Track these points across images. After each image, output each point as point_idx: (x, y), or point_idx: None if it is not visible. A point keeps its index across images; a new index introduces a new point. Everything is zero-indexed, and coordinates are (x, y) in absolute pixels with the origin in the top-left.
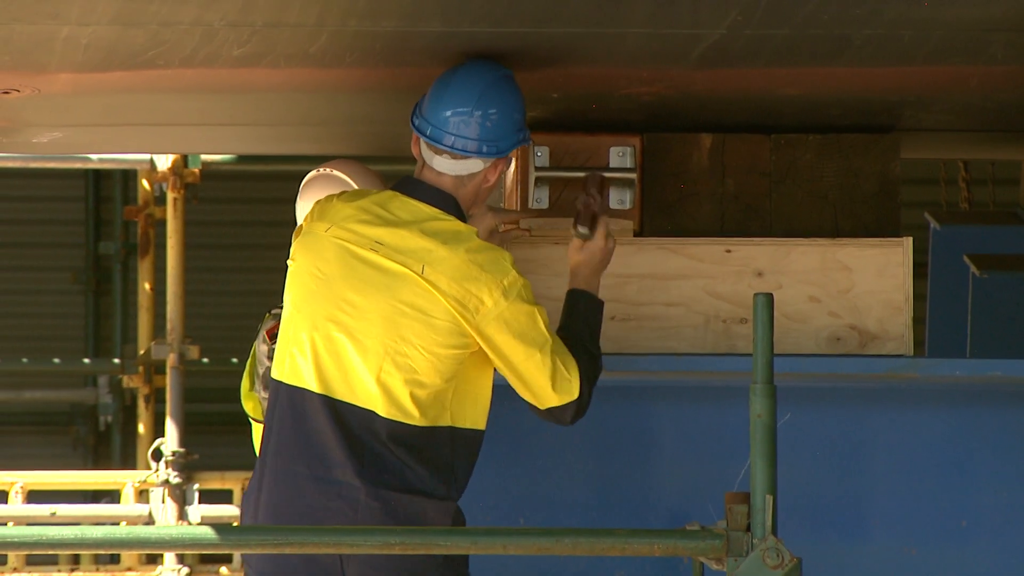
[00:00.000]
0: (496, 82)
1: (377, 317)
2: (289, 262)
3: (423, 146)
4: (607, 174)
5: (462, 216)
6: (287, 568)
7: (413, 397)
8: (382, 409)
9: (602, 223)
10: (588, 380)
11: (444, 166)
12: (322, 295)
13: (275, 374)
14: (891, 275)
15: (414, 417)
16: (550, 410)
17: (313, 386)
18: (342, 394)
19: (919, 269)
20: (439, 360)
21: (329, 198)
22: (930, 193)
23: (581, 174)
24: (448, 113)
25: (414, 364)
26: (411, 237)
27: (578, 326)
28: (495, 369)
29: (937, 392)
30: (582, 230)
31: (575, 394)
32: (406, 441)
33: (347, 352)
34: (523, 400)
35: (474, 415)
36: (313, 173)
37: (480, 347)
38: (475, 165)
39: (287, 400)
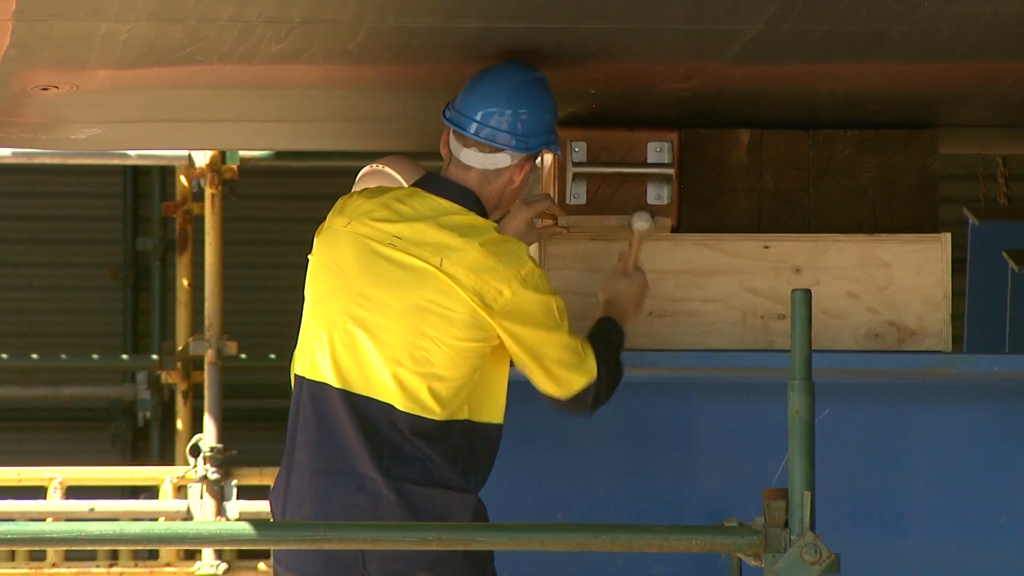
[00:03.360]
0: (528, 83)
1: (395, 312)
2: (309, 257)
3: (452, 139)
4: (646, 170)
5: (483, 213)
6: (308, 560)
7: (431, 391)
8: (400, 403)
9: (641, 275)
10: (606, 365)
11: (472, 159)
12: (340, 290)
13: (297, 369)
14: (929, 271)
15: (433, 411)
16: (572, 398)
17: (332, 381)
18: (360, 388)
19: (957, 265)
20: (457, 354)
21: (351, 195)
22: (968, 189)
23: (618, 170)
24: (480, 107)
25: (432, 358)
26: (428, 231)
27: (599, 337)
28: (511, 364)
29: (976, 388)
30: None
31: (593, 373)
32: (426, 434)
33: (364, 346)
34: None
35: (491, 409)
36: (366, 169)
37: (500, 340)
38: (502, 160)
39: (308, 395)
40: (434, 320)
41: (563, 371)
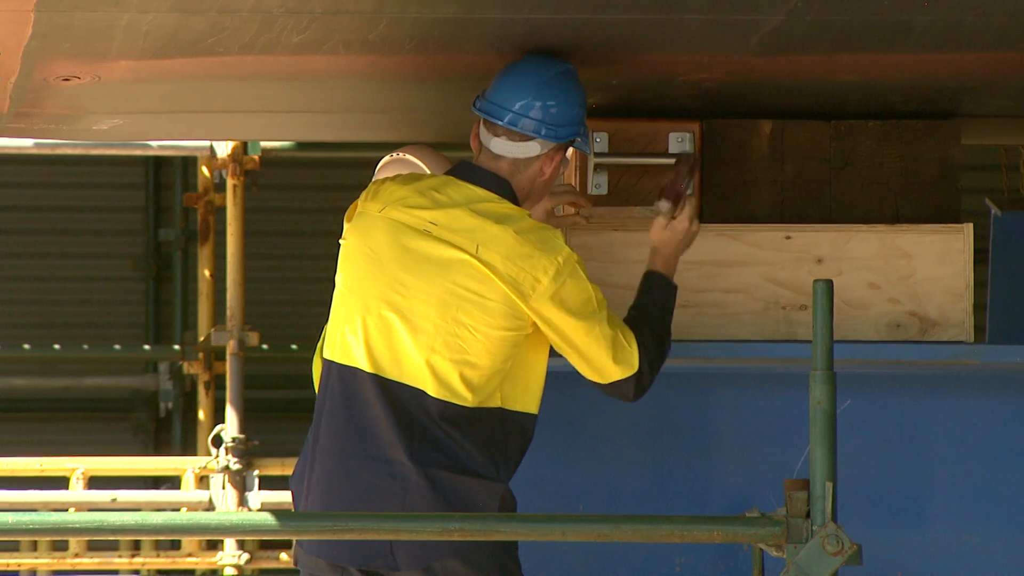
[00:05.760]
0: (560, 74)
1: (430, 298)
2: (340, 241)
3: (482, 129)
4: (668, 160)
5: (515, 201)
6: (335, 546)
7: (463, 378)
8: (432, 389)
9: (689, 205)
10: (649, 354)
11: (501, 148)
12: (374, 275)
13: (327, 354)
14: (952, 261)
15: (465, 398)
16: (614, 384)
17: (364, 365)
18: (392, 373)
19: (980, 255)
20: (491, 342)
21: (383, 180)
22: (991, 179)
23: (639, 160)
24: (510, 96)
25: (465, 345)
26: (463, 217)
27: (649, 306)
28: (551, 354)
29: (998, 378)
30: (663, 205)
31: (635, 366)
32: (457, 421)
33: (398, 332)
34: (583, 387)
35: (525, 398)
36: (387, 158)
37: (535, 329)
38: (532, 148)
39: (338, 379)
40: (469, 308)
41: (603, 361)
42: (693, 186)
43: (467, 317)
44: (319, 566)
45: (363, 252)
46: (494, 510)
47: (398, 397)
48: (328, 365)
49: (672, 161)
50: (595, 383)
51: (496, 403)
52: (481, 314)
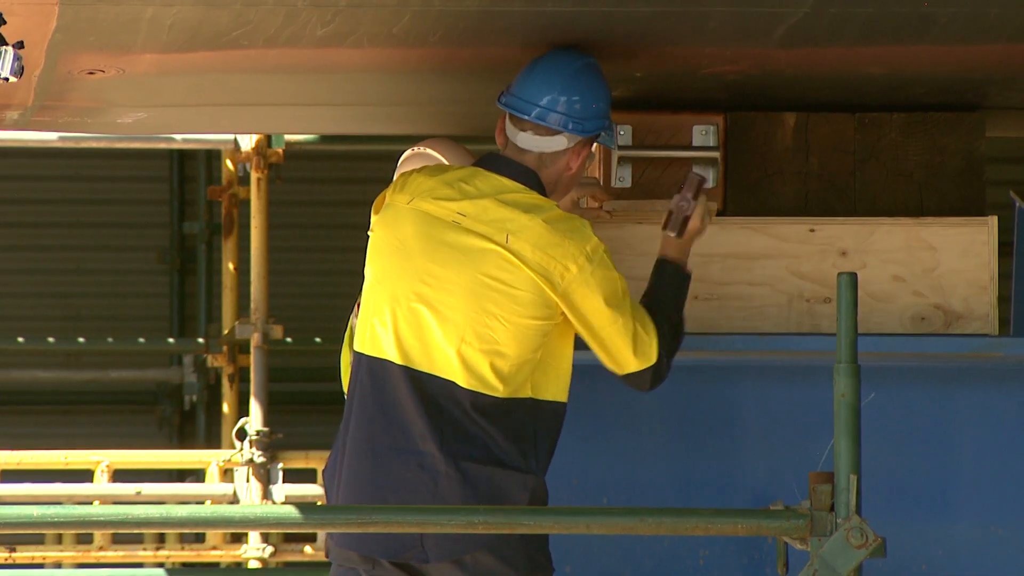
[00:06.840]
0: (584, 68)
1: (459, 289)
2: (368, 234)
3: (508, 124)
4: (694, 163)
5: (543, 192)
6: (367, 538)
7: (494, 368)
8: (462, 380)
9: (702, 201)
10: (666, 347)
11: (528, 142)
12: (403, 267)
13: (357, 346)
14: (976, 254)
15: (496, 388)
16: (629, 376)
17: (393, 357)
18: (422, 365)
19: (1005, 248)
20: (520, 331)
21: (411, 172)
22: (1016, 172)
23: (663, 153)
24: (537, 90)
25: (495, 335)
26: (492, 207)
27: (663, 294)
28: (576, 345)
29: (1022, 371)
30: (671, 232)
31: (653, 359)
32: (488, 412)
33: (428, 323)
34: (608, 380)
35: (556, 387)
36: (408, 152)
37: (564, 318)
38: (558, 143)
39: (367, 372)
40: (498, 298)
41: (623, 352)
42: (716, 179)
43: (496, 307)
44: (350, 558)
45: (391, 244)
46: (524, 502)
47: (428, 389)
48: (358, 357)
49: (688, 157)
50: (613, 372)
51: (527, 393)
52: (511, 304)
